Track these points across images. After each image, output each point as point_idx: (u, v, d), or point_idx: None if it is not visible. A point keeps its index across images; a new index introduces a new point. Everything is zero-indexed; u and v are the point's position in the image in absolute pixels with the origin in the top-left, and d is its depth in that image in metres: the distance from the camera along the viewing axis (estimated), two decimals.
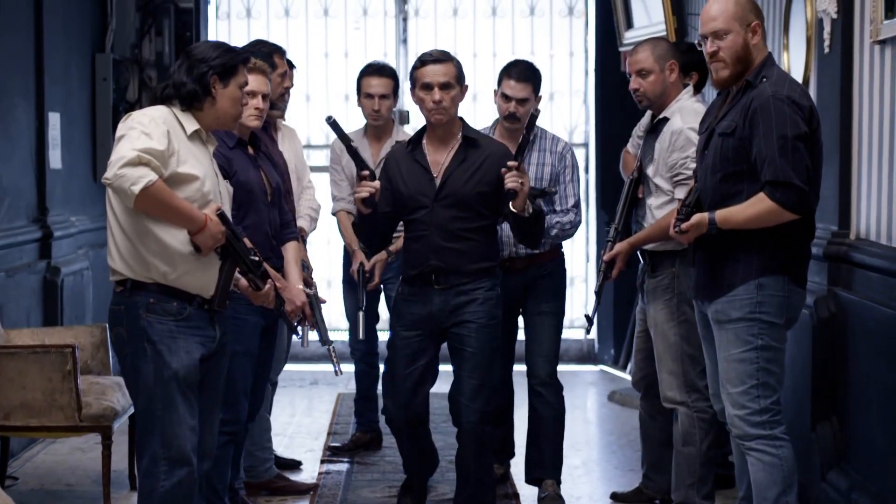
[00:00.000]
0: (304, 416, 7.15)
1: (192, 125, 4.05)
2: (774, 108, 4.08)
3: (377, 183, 4.74)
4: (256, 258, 4.19)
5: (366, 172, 4.74)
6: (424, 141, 4.90)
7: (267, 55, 5.32)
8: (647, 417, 5.42)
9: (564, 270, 5.59)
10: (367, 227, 4.90)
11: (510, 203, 4.66)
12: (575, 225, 5.43)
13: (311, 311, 4.91)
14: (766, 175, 4.08)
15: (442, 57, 4.85)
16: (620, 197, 5.27)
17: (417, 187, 4.82)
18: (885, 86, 4.73)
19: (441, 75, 4.79)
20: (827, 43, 5.19)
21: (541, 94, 5.47)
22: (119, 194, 3.87)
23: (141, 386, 4.01)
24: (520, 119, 5.38)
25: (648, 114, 5.29)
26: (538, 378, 5.43)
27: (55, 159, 6.89)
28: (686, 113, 5.01)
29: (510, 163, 4.64)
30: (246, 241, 4.23)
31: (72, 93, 7.29)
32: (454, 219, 4.78)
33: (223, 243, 4.04)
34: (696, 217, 4.21)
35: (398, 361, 4.89)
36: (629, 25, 7.85)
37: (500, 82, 5.43)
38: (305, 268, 5.33)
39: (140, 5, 8.22)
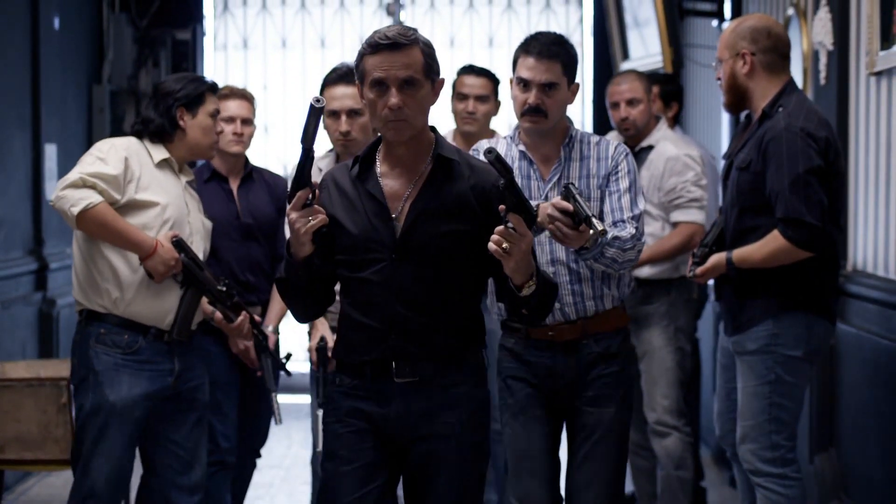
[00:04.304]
0: (300, 447, 7.12)
1: (160, 154, 4.11)
2: (787, 141, 3.94)
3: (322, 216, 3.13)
4: (224, 288, 4.18)
5: (307, 192, 3.11)
6: (378, 162, 3.26)
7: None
8: (636, 449, 5.41)
9: (633, 348, 4.01)
10: (305, 284, 3.22)
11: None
12: (636, 241, 3.69)
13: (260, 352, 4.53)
14: (778, 212, 3.95)
15: (401, 39, 3.11)
16: None
17: (368, 232, 3.18)
18: (881, 117, 4.73)
19: (401, 67, 3.10)
20: (823, 74, 5.20)
21: (577, 81, 3.83)
22: (61, 215, 3.93)
23: (79, 414, 4.05)
24: (546, 113, 3.73)
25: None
26: None
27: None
28: (675, 140, 5.13)
29: (501, 207, 3.03)
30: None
31: (68, 124, 7.29)
32: (422, 279, 3.17)
33: (179, 270, 4.04)
34: (712, 259, 4.13)
35: (342, 484, 3.21)
36: (625, 56, 7.86)
37: (514, 65, 3.87)
38: None
39: (137, 37, 8.23)
